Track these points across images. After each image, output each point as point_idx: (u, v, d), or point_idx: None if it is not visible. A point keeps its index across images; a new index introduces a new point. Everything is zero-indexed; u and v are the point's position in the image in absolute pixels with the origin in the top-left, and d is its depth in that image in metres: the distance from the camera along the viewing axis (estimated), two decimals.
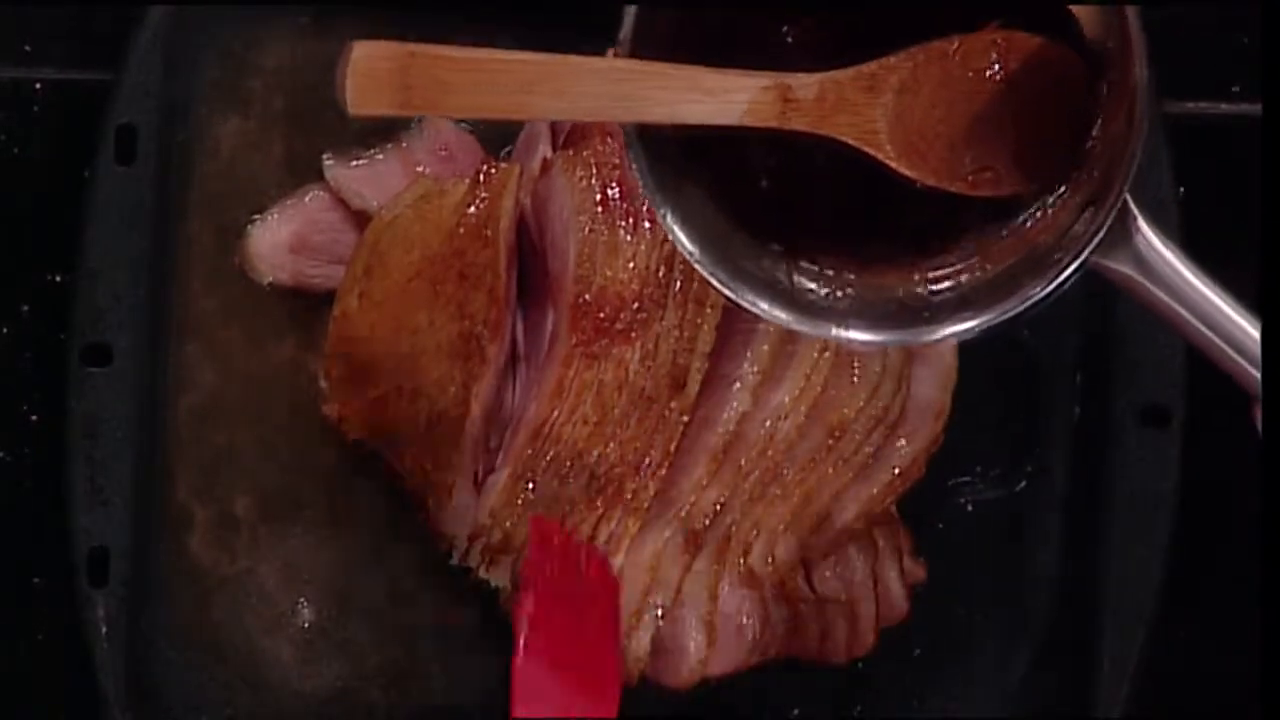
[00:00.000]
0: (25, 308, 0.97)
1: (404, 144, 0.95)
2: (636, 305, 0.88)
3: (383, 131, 0.95)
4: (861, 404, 0.89)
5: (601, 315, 0.88)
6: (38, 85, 0.96)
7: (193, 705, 0.96)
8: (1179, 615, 0.96)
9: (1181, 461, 0.95)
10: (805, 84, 0.74)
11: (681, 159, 0.76)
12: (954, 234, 0.79)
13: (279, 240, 0.95)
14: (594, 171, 0.88)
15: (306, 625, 0.97)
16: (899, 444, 0.91)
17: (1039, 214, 0.77)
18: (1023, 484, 0.98)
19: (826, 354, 0.89)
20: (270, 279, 0.95)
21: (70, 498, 0.93)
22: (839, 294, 0.78)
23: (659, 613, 0.90)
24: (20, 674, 0.97)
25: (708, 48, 0.75)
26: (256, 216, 0.95)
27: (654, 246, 0.88)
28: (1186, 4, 0.98)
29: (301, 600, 0.96)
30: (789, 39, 0.78)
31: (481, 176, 0.89)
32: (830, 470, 0.90)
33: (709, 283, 0.75)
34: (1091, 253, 0.74)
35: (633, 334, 0.89)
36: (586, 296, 0.88)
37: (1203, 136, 0.98)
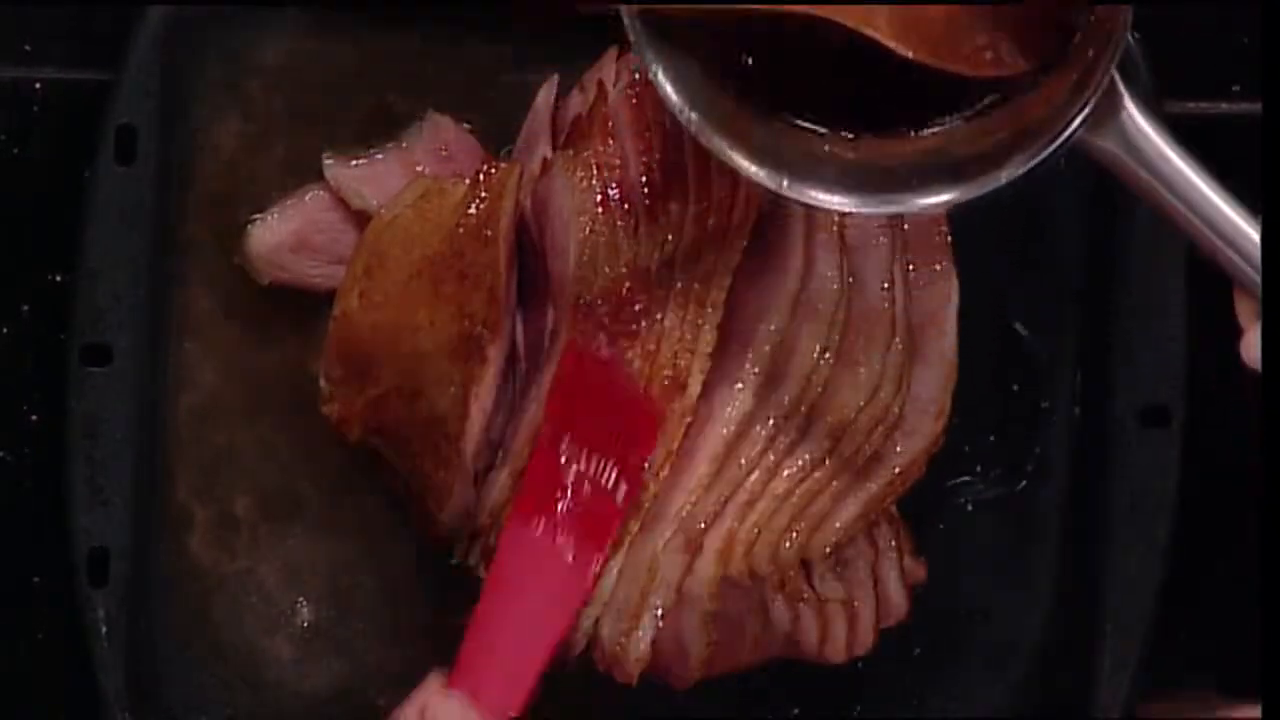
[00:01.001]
0: (25, 308, 0.97)
1: (404, 144, 0.95)
2: (637, 305, 0.88)
3: (383, 131, 0.95)
4: (862, 404, 0.89)
5: (602, 315, 0.88)
6: (38, 85, 0.96)
7: (193, 705, 0.96)
8: (1179, 615, 0.97)
9: (1181, 461, 0.95)
10: None
11: (677, 32, 0.76)
12: (946, 108, 0.79)
13: (279, 240, 0.95)
14: (594, 171, 0.88)
15: (306, 625, 0.97)
16: (899, 444, 0.91)
17: (1031, 90, 0.78)
18: (1023, 484, 0.98)
19: (827, 355, 0.89)
20: (270, 279, 0.95)
21: (70, 498, 0.93)
22: (827, 159, 0.79)
23: (659, 613, 0.90)
24: (20, 674, 0.97)
25: None
26: (257, 216, 0.95)
27: (655, 247, 0.88)
28: (1186, 4, 0.98)
29: (301, 600, 0.96)
30: None
31: (481, 176, 0.89)
32: (831, 470, 0.90)
33: (700, 140, 0.77)
34: (1078, 128, 0.75)
35: (633, 334, 0.89)
36: (587, 296, 0.88)
37: (1203, 136, 0.97)
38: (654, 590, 0.89)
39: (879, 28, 0.76)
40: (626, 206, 0.88)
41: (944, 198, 0.78)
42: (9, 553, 0.97)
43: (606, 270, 0.88)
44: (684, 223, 0.88)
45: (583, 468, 0.89)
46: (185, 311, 0.96)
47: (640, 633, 0.90)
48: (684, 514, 0.89)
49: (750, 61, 0.79)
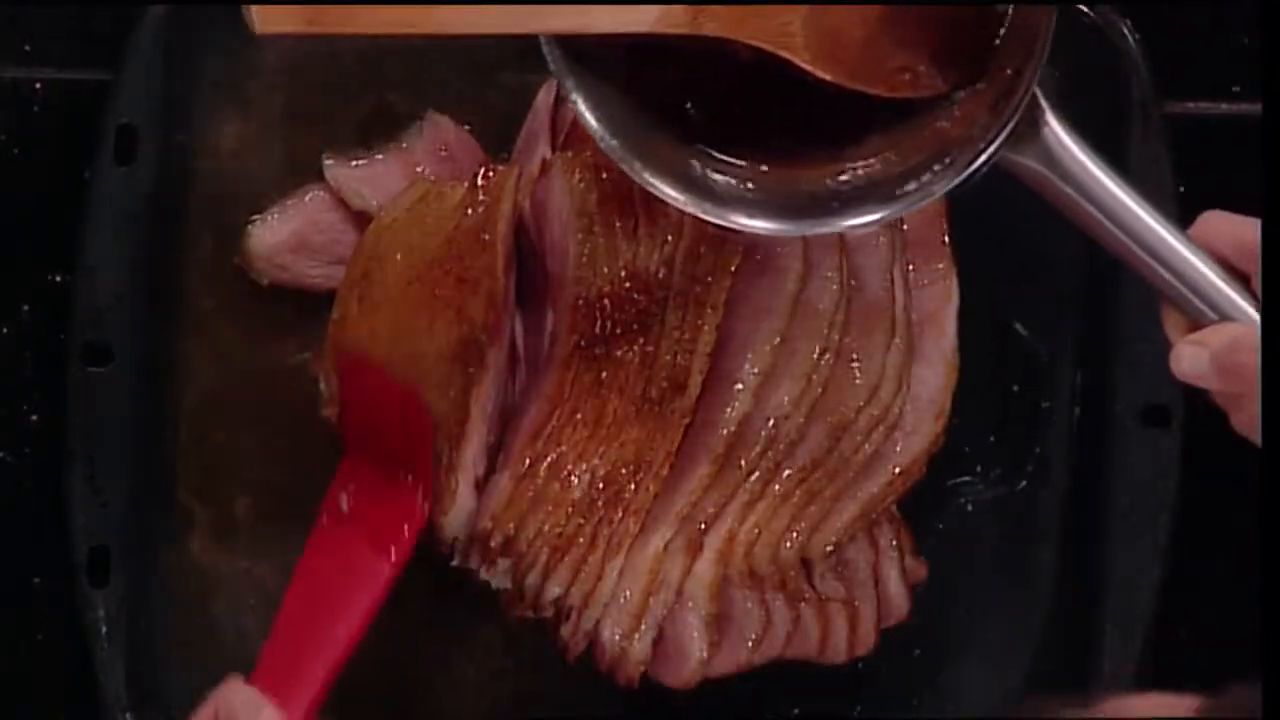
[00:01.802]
0: (25, 307, 0.97)
1: (404, 144, 0.95)
2: (636, 307, 0.88)
3: (383, 131, 0.95)
4: (862, 404, 0.89)
5: (601, 317, 0.88)
6: (38, 85, 0.96)
7: (193, 704, 0.96)
8: (1179, 615, 0.96)
9: (1181, 461, 0.95)
10: None
11: (597, 55, 0.76)
12: (866, 129, 0.80)
13: (279, 240, 0.95)
14: (593, 173, 0.88)
15: None
16: (899, 444, 0.91)
17: (951, 110, 0.78)
18: (1023, 484, 0.98)
19: (827, 355, 0.89)
20: (270, 279, 0.95)
21: (70, 498, 0.93)
22: (749, 185, 0.79)
23: (660, 613, 0.90)
24: (20, 674, 0.97)
25: None
26: (256, 217, 0.95)
27: (654, 248, 0.88)
28: (1186, 4, 0.98)
29: None
30: None
31: (480, 179, 0.89)
32: (831, 470, 0.90)
33: (622, 167, 0.77)
34: (1000, 146, 0.75)
35: (633, 335, 0.89)
36: (586, 298, 0.88)
37: (1203, 136, 0.98)
38: (654, 591, 0.89)
39: (796, 50, 0.76)
40: (626, 207, 0.88)
41: (866, 218, 0.78)
42: (9, 553, 0.97)
43: (605, 271, 0.88)
44: (683, 223, 0.88)
45: (378, 473, 0.89)
46: (185, 311, 0.96)
47: (641, 633, 0.90)
48: (684, 514, 0.89)
49: (667, 88, 0.79)
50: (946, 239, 0.92)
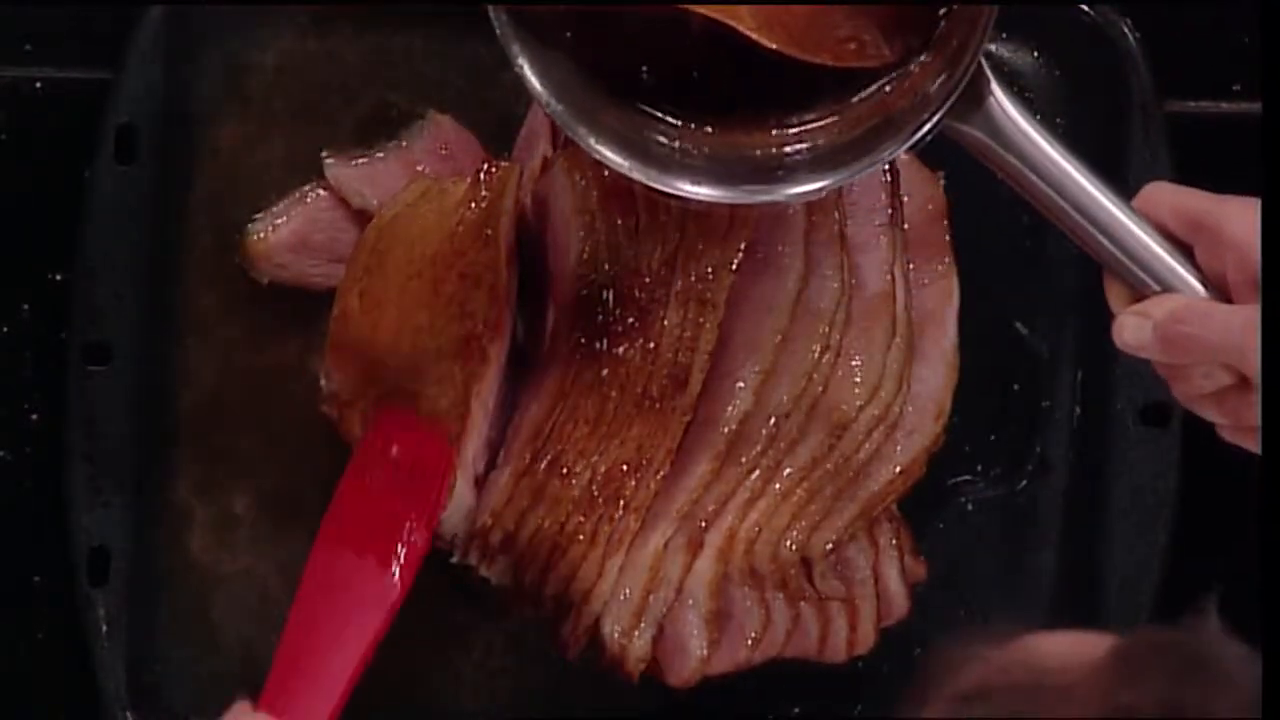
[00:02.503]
0: (25, 307, 0.97)
1: (404, 143, 0.95)
2: (638, 304, 0.88)
3: (383, 130, 0.95)
4: (862, 404, 0.89)
5: (602, 314, 0.88)
6: (38, 85, 0.96)
7: (192, 705, 0.96)
8: (1179, 615, 0.96)
9: (1181, 461, 0.95)
10: None
11: (543, 23, 0.77)
12: (811, 97, 0.80)
13: (279, 239, 0.94)
14: (595, 170, 0.88)
15: None
16: (900, 443, 0.91)
17: (897, 80, 0.79)
18: (1023, 483, 0.98)
19: (828, 354, 0.89)
20: (270, 278, 0.95)
21: (70, 497, 0.93)
22: (693, 151, 0.79)
23: (660, 611, 0.90)
24: (20, 674, 0.97)
25: None
26: (257, 215, 0.95)
27: (655, 246, 0.88)
28: (1186, 4, 0.98)
29: None
30: None
31: (482, 175, 0.89)
32: (831, 469, 0.90)
33: (566, 132, 0.77)
34: (945, 115, 0.76)
35: (634, 333, 0.89)
36: (587, 295, 0.88)
37: (1203, 136, 0.98)
38: (655, 588, 0.89)
39: (741, 18, 0.76)
40: (627, 205, 0.88)
41: (810, 186, 0.79)
42: (9, 552, 0.97)
43: (607, 268, 0.88)
44: (685, 221, 0.88)
45: (382, 497, 0.89)
46: (185, 311, 0.96)
47: (641, 631, 0.90)
48: (685, 512, 0.89)
49: (614, 54, 0.80)
50: (948, 238, 0.92)
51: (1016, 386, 0.98)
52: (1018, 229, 0.97)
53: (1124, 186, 0.79)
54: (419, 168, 0.94)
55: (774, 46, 0.77)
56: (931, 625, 0.97)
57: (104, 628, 0.93)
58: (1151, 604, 0.95)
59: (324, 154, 0.94)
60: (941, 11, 0.78)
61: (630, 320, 0.88)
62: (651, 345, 0.88)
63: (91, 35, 0.95)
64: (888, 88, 0.79)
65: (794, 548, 0.90)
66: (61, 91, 0.96)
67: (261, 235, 0.95)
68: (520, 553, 0.90)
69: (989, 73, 0.77)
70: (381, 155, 0.95)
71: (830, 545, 0.90)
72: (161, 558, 0.95)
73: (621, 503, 0.89)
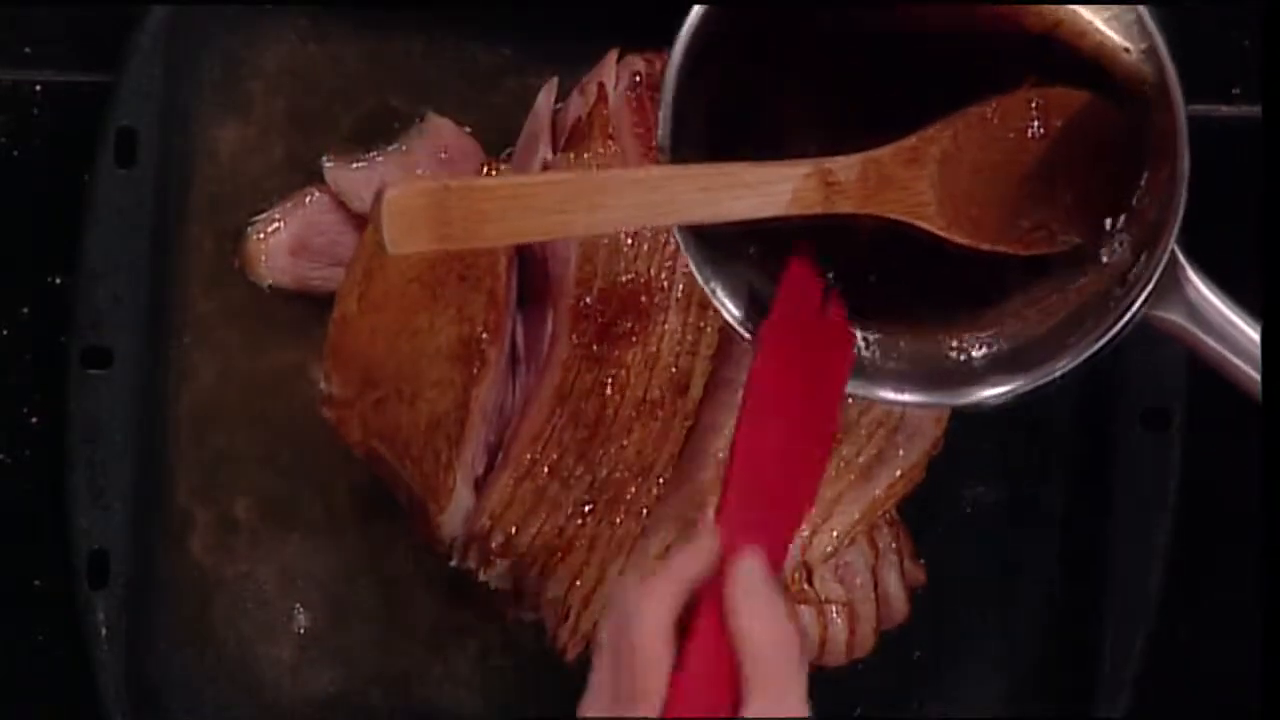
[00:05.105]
0: (25, 310, 0.97)
1: (404, 146, 0.95)
2: (638, 309, 0.88)
3: (383, 133, 0.95)
4: (863, 408, 0.89)
5: (602, 318, 0.88)
6: (38, 87, 0.96)
7: (192, 706, 0.96)
8: (1179, 615, 0.96)
9: (1182, 463, 0.95)
10: (846, 166, 0.73)
11: (728, 236, 0.76)
12: (1002, 292, 0.78)
13: (279, 242, 0.95)
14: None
15: (305, 628, 0.97)
16: (900, 447, 0.91)
17: (1088, 267, 0.77)
18: (1023, 485, 0.98)
19: None
20: (270, 281, 0.95)
21: (70, 500, 0.93)
22: (891, 357, 0.78)
23: None
24: (20, 674, 0.97)
25: (745, 140, 0.75)
26: (256, 219, 0.95)
27: (656, 249, 0.88)
28: (1186, 4, 0.98)
29: (300, 603, 0.96)
30: (824, 121, 0.77)
31: None
32: (832, 473, 0.90)
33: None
34: (1144, 303, 0.73)
35: (634, 337, 0.89)
36: (587, 299, 0.88)
37: (1203, 137, 0.97)
38: None
39: (930, 219, 0.75)
40: None
41: (1005, 389, 0.77)
42: (9, 555, 0.97)
43: (607, 272, 0.88)
44: None
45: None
46: (185, 313, 0.96)
47: None
48: (686, 516, 0.89)
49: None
50: None
51: None
52: None
53: None
54: (419, 171, 0.94)
55: (963, 242, 0.75)
56: (931, 627, 0.97)
57: (104, 631, 0.93)
58: (1151, 604, 0.95)
59: (324, 157, 0.95)
60: (1133, 194, 0.76)
61: (630, 324, 0.88)
62: (652, 349, 0.88)
63: (91, 38, 0.95)
64: (1078, 277, 0.77)
65: (794, 552, 0.90)
66: (61, 94, 0.96)
67: (261, 238, 0.95)
68: (519, 556, 0.90)
69: (1182, 257, 0.74)
70: (381, 158, 0.95)
71: (830, 549, 0.90)
72: (161, 561, 0.96)
73: (622, 507, 0.89)
